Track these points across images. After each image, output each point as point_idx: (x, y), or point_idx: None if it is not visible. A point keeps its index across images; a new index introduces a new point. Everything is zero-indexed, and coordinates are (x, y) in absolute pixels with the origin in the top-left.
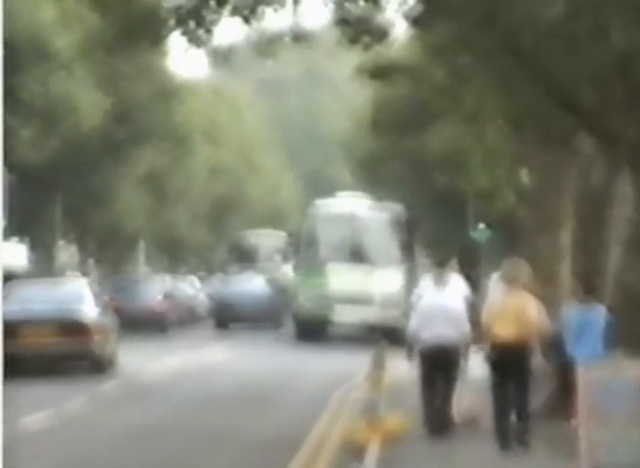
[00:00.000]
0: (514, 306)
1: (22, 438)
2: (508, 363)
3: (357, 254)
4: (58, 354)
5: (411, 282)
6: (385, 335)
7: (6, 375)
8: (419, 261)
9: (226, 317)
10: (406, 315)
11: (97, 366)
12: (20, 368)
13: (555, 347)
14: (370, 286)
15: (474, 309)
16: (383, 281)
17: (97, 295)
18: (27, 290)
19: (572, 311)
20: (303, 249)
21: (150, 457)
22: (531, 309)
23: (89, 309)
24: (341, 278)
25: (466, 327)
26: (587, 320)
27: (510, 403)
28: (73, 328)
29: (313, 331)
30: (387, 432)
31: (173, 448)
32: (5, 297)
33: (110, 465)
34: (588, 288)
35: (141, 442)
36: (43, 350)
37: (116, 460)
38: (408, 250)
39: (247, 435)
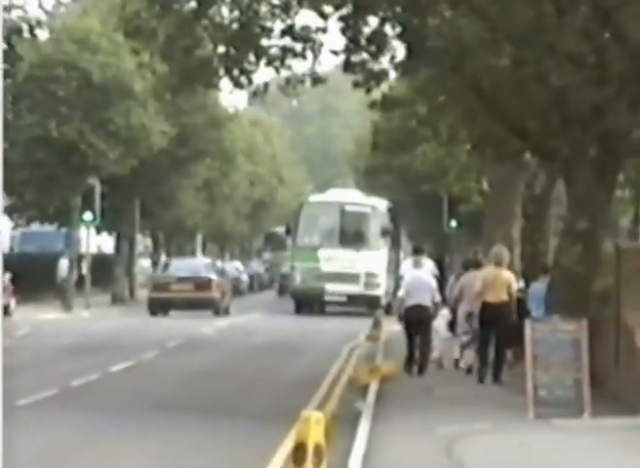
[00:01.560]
0: (503, 279)
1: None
2: (496, 320)
3: (344, 241)
4: (193, 301)
5: (392, 264)
6: (368, 307)
7: (159, 312)
8: (402, 247)
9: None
10: (387, 292)
11: (216, 310)
12: (171, 308)
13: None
14: (355, 268)
15: (440, 284)
16: (367, 263)
17: (216, 268)
18: (177, 263)
19: (536, 285)
20: (299, 237)
21: (207, 391)
22: (513, 282)
23: (212, 275)
24: (331, 261)
25: (436, 296)
26: (540, 292)
27: (487, 351)
28: (203, 285)
29: (309, 305)
30: (384, 376)
31: (223, 385)
32: (166, 267)
33: (177, 396)
34: (545, 268)
35: (200, 379)
36: (185, 298)
37: (181, 392)
38: (389, 236)
39: (279, 376)
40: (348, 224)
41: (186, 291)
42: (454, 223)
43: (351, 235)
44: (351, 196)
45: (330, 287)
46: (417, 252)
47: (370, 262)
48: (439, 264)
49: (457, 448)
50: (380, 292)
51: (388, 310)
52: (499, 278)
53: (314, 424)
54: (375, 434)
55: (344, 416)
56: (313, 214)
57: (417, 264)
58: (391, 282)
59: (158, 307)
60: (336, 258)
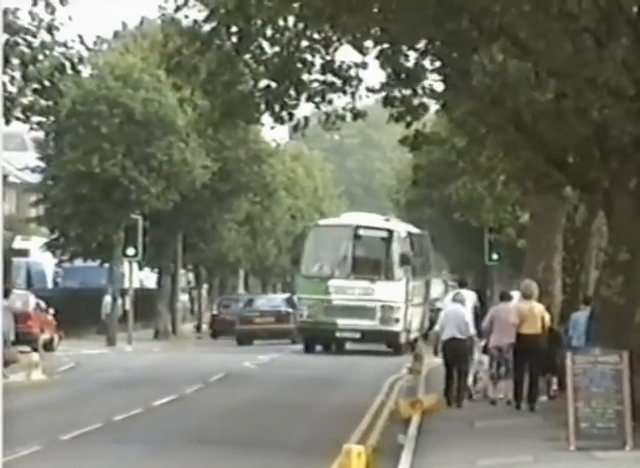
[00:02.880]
0: (536, 312)
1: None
2: (530, 351)
3: (358, 270)
4: (274, 332)
5: (419, 295)
6: (386, 344)
7: (245, 342)
8: (429, 277)
9: None
10: (407, 327)
11: (293, 340)
12: (255, 338)
13: (559, 342)
14: (370, 300)
15: (480, 317)
16: (383, 295)
17: (291, 302)
18: (260, 299)
19: (577, 316)
20: (306, 265)
21: (249, 424)
22: (546, 314)
23: (289, 309)
24: (343, 293)
25: (470, 329)
26: (581, 322)
27: (523, 379)
28: (282, 318)
29: (319, 342)
30: (425, 408)
31: (265, 418)
32: (250, 302)
33: (220, 429)
34: (586, 300)
35: (242, 413)
36: (268, 329)
37: (223, 426)
38: (409, 265)
39: (321, 409)
40: (362, 251)
41: (269, 323)
42: (495, 256)
43: (366, 263)
44: (366, 219)
45: (342, 321)
46: (460, 285)
47: (387, 294)
48: (480, 296)
49: None
50: (398, 327)
51: (414, 347)
52: (532, 310)
53: (356, 457)
54: (416, 467)
55: (386, 450)
56: (322, 240)
57: (455, 298)
58: (417, 316)
59: (245, 338)
60: (348, 290)
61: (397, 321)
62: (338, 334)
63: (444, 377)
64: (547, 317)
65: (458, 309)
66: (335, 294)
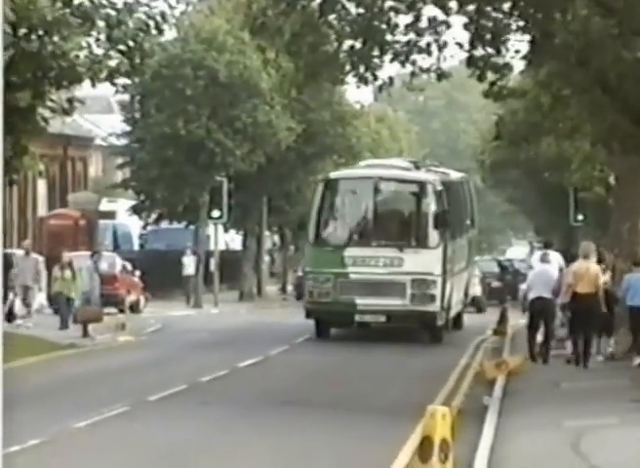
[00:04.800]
0: (592, 272)
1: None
2: (585, 310)
3: (381, 235)
4: None
5: (453, 264)
6: (420, 329)
7: None
8: (472, 234)
9: None
10: (447, 305)
11: None
12: None
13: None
14: (397, 275)
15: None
16: (414, 267)
17: None
18: None
19: (632, 277)
20: (316, 231)
21: (334, 386)
22: (600, 275)
23: None
24: (363, 265)
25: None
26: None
27: (578, 338)
28: None
29: (334, 325)
30: (510, 370)
31: (351, 380)
32: None
33: (305, 391)
34: (637, 262)
35: (328, 375)
36: None
37: (309, 388)
38: (447, 226)
39: (405, 371)
40: (387, 210)
41: None
42: (580, 217)
43: (391, 226)
44: (391, 169)
45: (362, 301)
46: (546, 246)
47: (419, 265)
48: (566, 258)
49: (583, 443)
50: (434, 306)
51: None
52: (588, 271)
53: (440, 419)
54: (501, 428)
55: (471, 411)
56: (335, 198)
57: (544, 258)
58: (458, 288)
59: None
60: (369, 260)
61: (433, 298)
62: (357, 317)
63: (527, 336)
64: (602, 278)
65: (546, 269)
66: (352, 267)
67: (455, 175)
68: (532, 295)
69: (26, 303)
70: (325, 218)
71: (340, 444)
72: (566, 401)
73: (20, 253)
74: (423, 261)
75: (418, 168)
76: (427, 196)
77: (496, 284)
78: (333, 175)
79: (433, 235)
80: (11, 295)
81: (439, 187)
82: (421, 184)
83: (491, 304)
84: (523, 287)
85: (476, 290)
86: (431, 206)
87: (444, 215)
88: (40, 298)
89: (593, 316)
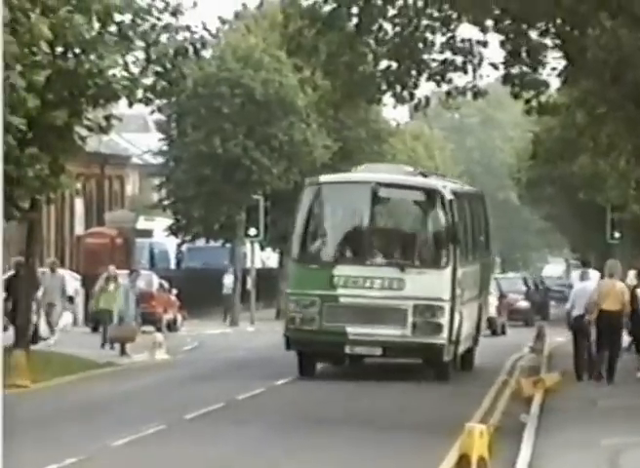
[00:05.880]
0: (617, 290)
1: None
2: (611, 326)
3: (378, 252)
4: None
5: (463, 289)
6: (424, 362)
7: None
8: (487, 257)
9: None
10: (454, 338)
11: None
12: None
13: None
14: (396, 299)
15: None
16: (418, 291)
17: None
18: None
19: None
20: (300, 244)
21: (371, 403)
22: (625, 293)
23: None
24: (356, 287)
25: None
26: None
27: (603, 353)
28: None
29: (321, 358)
30: (548, 387)
31: (387, 397)
32: None
33: (341, 408)
34: None
35: (364, 392)
36: None
37: (345, 405)
38: (457, 243)
39: (442, 388)
40: (386, 222)
41: None
42: (616, 234)
43: (391, 241)
44: (391, 174)
45: (354, 330)
46: (584, 264)
47: (424, 288)
48: (602, 275)
49: (621, 461)
50: (441, 338)
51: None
52: (613, 289)
53: (478, 437)
54: (538, 446)
55: (508, 429)
56: (324, 206)
57: (583, 276)
58: (470, 318)
59: None
60: (363, 282)
61: (439, 328)
62: (347, 349)
63: (573, 353)
64: (627, 295)
65: (587, 287)
66: (343, 289)
67: (465, 187)
68: (575, 313)
69: (49, 321)
70: (312, 230)
71: (377, 459)
72: (603, 419)
73: (46, 271)
74: (429, 284)
75: (424, 175)
76: (435, 206)
77: (522, 304)
78: (323, 178)
79: (441, 253)
80: (35, 318)
81: (449, 196)
82: (429, 192)
83: (510, 325)
84: (567, 305)
85: (491, 310)
86: (440, 218)
87: (454, 230)
88: (67, 317)
89: (619, 333)
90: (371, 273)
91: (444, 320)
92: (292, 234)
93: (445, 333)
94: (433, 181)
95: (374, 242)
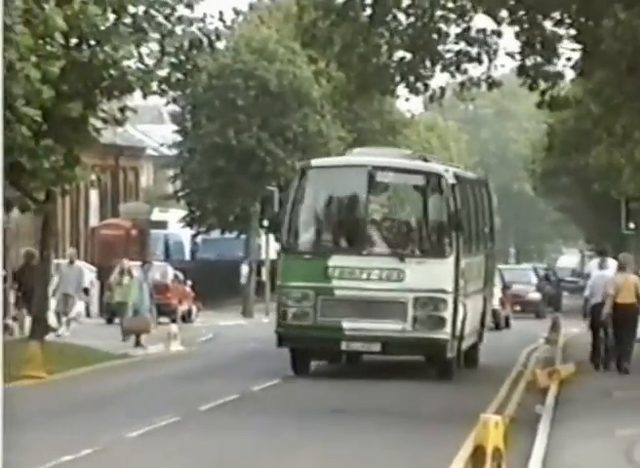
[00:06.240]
0: (630, 283)
1: None
2: (624, 318)
3: (375, 241)
4: None
5: (468, 280)
6: (426, 358)
7: None
8: (490, 247)
9: None
10: (458, 333)
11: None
12: None
13: None
14: (396, 292)
15: None
16: (419, 282)
17: None
18: None
19: None
20: (292, 233)
21: (386, 393)
22: (639, 285)
23: None
24: (352, 279)
25: None
26: None
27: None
28: None
29: (315, 358)
30: (563, 378)
31: (401, 387)
32: None
33: (355, 399)
34: None
35: (378, 381)
36: None
37: (360, 395)
38: (461, 231)
39: (458, 378)
40: (383, 209)
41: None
42: (632, 225)
43: (389, 229)
44: (389, 158)
45: (350, 325)
46: (601, 253)
47: (425, 279)
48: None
49: (636, 451)
50: (444, 333)
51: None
52: (627, 282)
53: (493, 427)
54: (554, 437)
55: (524, 420)
56: (317, 192)
57: (602, 265)
58: (475, 311)
59: None
60: (360, 273)
61: (442, 322)
62: (344, 346)
63: (591, 342)
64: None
65: (605, 275)
66: (338, 281)
67: (468, 174)
68: (593, 301)
69: (64, 312)
70: (304, 218)
71: (392, 450)
72: (619, 409)
73: (64, 261)
74: (431, 274)
75: (424, 159)
76: (437, 191)
77: (533, 295)
78: (314, 162)
79: (444, 241)
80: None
81: (452, 180)
82: (429, 176)
83: (521, 317)
84: (585, 293)
85: (494, 302)
86: (442, 203)
87: (458, 217)
88: (79, 307)
89: (633, 325)
90: (368, 263)
91: (447, 313)
92: (282, 222)
93: (448, 328)
94: (434, 165)
95: (371, 230)
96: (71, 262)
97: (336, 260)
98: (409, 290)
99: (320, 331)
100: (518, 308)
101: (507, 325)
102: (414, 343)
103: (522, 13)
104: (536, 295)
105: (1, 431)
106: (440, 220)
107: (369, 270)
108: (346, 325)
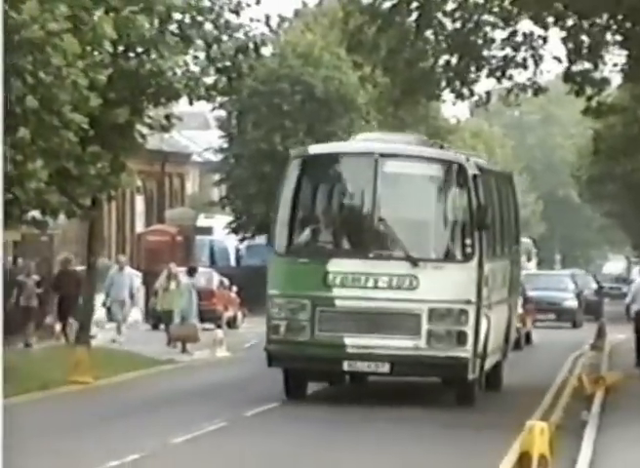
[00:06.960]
0: None
1: None
2: None
3: (383, 243)
4: None
5: (492, 289)
6: (443, 383)
7: None
8: (515, 251)
9: None
10: (480, 350)
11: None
12: None
13: None
14: (407, 302)
15: None
16: (435, 292)
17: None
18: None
19: None
20: (282, 236)
21: (427, 400)
22: None
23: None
24: (355, 288)
25: None
26: None
27: None
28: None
29: (312, 380)
30: (609, 385)
31: (443, 395)
32: None
33: (400, 406)
34: None
35: (420, 389)
36: None
37: (406, 402)
38: (484, 230)
39: (509, 384)
40: (394, 204)
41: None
42: None
43: (400, 228)
44: (399, 144)
45: (353, 341)
46: None
47: (443, 288)
48: None
49: None
50: (464, 351)
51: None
52: None
53: (539, 434)
54: (600, 444)
55: (569, 427)
56: (317, 185)
57: None
58: (499, 324)
59: None
60: (366, 280)
61: (463, 338)
62: (346, 366)
63: (634, 348)
64: None
65: None
66: (339, 289)
67: (491, 166)
68: (635, 307)
69: (118, 319)
70: (300, 215)
71: (436, 457)
72: None
73: (114, 267)
74: (449, 281)
75: (441, 146)
76: (457, 183)
77: (569, 303)
78: (312, 149)
79: (465, 242)
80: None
81: (474, 171)
82: (448, 165)
83: (555, 327)
84: (627, 300)
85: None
86: (463, 197)
87: (482, 213)
88: (135, 314)
89: None
90: (375, 269)
91: (468, 327)
92: (273, 220)
93: (469, 345)
94: (453, 154)
95: (378, 229)
96: (121, 269)
97: (336, 265)
98: (423, 300)
99: (318, 348)
100: (552, 316)
101: (528, 341)
102: (428, 363)
103: (568, 18)
104: (572, 303)
105: (2, 432)
106: (460, 218)
107: (376, 276)
108: (349, 341)
